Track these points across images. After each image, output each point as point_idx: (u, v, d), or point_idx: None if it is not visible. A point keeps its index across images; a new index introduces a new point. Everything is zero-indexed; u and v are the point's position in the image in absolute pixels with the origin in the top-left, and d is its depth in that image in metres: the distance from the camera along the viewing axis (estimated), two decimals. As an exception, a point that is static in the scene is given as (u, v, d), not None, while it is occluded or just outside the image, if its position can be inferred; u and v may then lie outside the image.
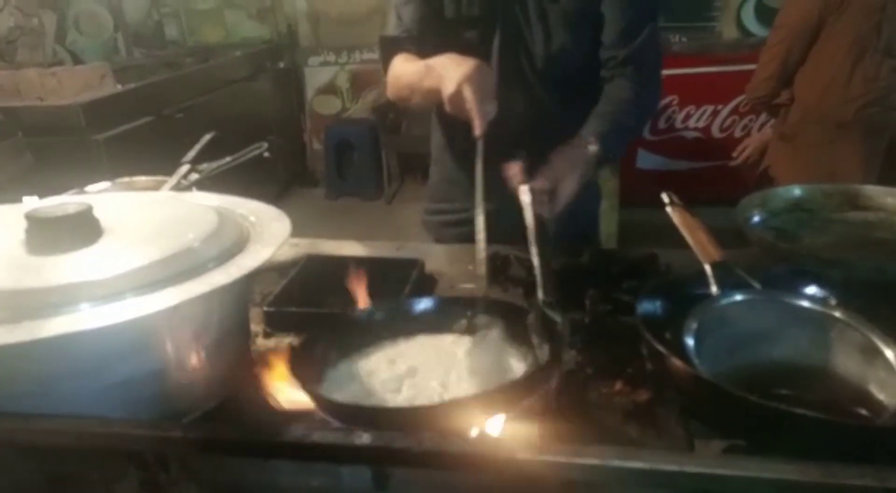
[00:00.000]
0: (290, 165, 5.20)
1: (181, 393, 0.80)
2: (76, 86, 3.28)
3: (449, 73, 1.13)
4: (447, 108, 1.16)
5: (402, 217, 4.52)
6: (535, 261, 0.99)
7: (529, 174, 1.16)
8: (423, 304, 0.99)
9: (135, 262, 0.77)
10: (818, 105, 2.26)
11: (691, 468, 0.59)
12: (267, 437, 0.63)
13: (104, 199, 0.92)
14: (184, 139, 1.55)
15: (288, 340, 1.12)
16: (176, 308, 0.74)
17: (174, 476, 0.69)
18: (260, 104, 4.75)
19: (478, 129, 1.11)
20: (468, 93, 1.09)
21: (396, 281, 1.25)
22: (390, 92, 1.46)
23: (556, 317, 0.88)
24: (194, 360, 0.80)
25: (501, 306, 0.96)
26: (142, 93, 3.52)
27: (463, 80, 1.09)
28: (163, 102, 3.56)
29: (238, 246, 0.84)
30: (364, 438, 0.62)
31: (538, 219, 1.08)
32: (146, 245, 0.81)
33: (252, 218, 0.92)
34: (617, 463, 0.59)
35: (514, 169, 1.16)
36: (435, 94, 1.17)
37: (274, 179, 4.83)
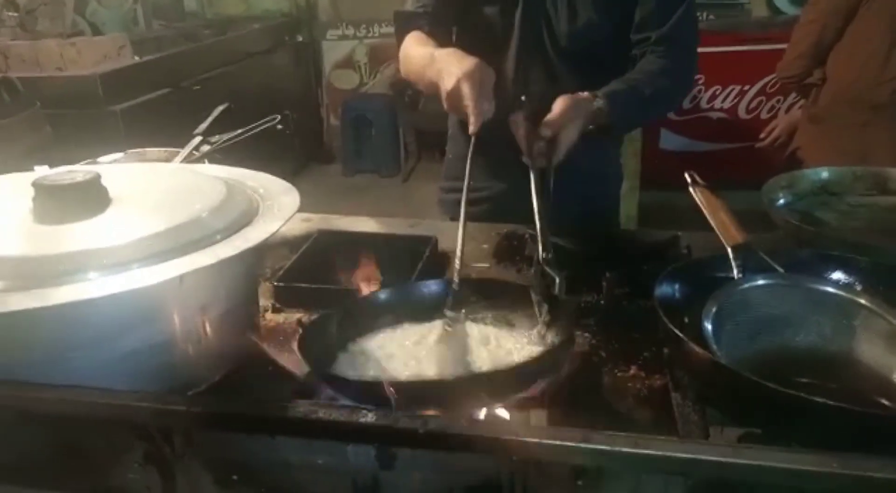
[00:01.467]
0: (306, 140, 5.18)
1: (187, 365, 0.80)
2: (95, 57, 3.27)
3: (449, 68, 1.12)
4: (444, 104, 1.15)
5: (419, 195, 4.50)
6: (536, 216, 0.97)
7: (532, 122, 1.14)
8: (434, 286, 0.97)
9: (142, 231, 0.76)
10: (852, 86, 2.18)
11: (705, 456, 0.56)
12: (271, 413, 0.62)
13: (113, 168, 0.91)
14: (201, 111, 1.54)
15: (297, 315, 1.10)
16: (182, 279, 0.74)
17: (178, 450, 0.69)
18: (277, 78, 4.72)
19: (472, 126, 1.10)
20: (466, 90, 1.09)
21: (409, 259, 1.23)
22: (402, 70, 1.44)
23: (554, 274, 0.86)
24: (201, 332, 0.79)
25: (511, 288, 0.94)
26: (160, 64, 3.51)
27: (462, 76, 1.09)
28: (180, 74, 3.55)
29: (246, 218, 0.83)
30: (369, 417, 0.61)
31: (538, 171, 1.06)
32: (154, 215, 0.80)
33: (261, 191, 0.91)
34: (627, 449, 0.57)
35: (518, 116, 1.14)
36: (436, 86, 1.16)
37: (290, 155, 4.81)
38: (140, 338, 0.75)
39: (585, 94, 1.19)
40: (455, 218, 1.61)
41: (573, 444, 0.58)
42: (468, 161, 1.10)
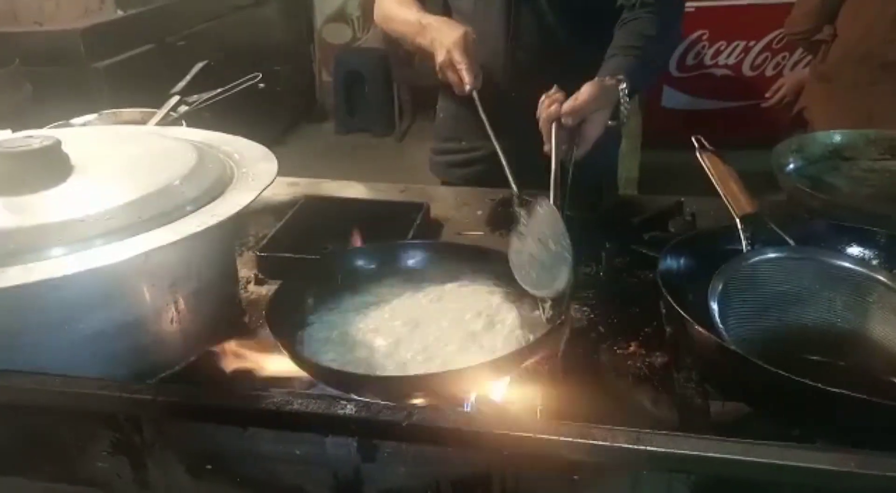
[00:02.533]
0: (298, 97, 5.04)
1: (159, 346, 0.75)
2: (75, 11, 3.13)
3: (441, 38, 1.18)
4: (439, 75, 1.21)
5: (414, 155, 4.39)
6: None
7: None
8: (420, 252, 0.92)
9: (106, 203, 0.70)
10: (862, 43, 2.09)
11: (712, 454, 0.52)
12: (242, 404, 0.58)
13: (77, 133, 0.84)
14: (187, 68, 1.46)
15: (281, 287, 1.05)
16: (148, 256, 0.68)
17: (148, 439, 0.64)
18: (266, 32, 4.56)
19: (468, 84, 1.15)
20: (457, 56, 1.15)
21: (399, 226, 1.17)
22: (378, 23, 1.41)
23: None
24: (172, 311, 0.74)
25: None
26: (144, 19, 3.36)
27: (452, 46, 1.15)
28: (166, 29, 3.41)
29: (219, 187, 0.77)
30: (348, 408, 0.56)
31: (559, 163, 1.00)
32: (119, 185, 0.74)
33: (237, 156, 0.84)
34: (628, 446, 0.52)
35: (551, 100, 1.07)
36: (425, 52, 1.22)
37: (281, 113, 4.69)
38: (104, 319, 0.69)
39: (611, 79, 1.10)
40: (447, 181, 1.55)
41: (570, 439, 0.53)
42: (483, 118, 1.12)
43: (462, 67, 1.14)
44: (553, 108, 1.06)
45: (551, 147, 1.04)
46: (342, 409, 0.56)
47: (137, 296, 0.71)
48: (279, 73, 4.65)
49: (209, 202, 0.74)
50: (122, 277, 0.70)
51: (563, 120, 1.04)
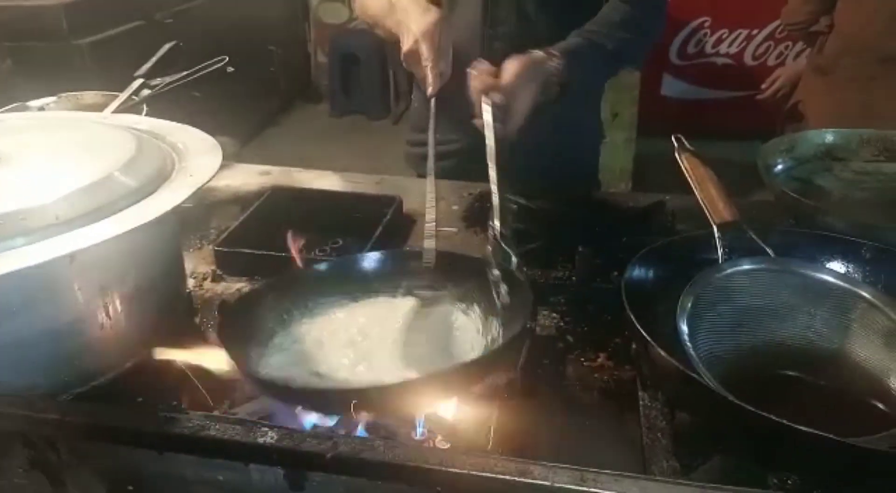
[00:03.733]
0: (293, 78, 4.95)
1: (88, 354, 0.69)
2: (59, -16, 3.04)
3: (408, 23, 1.06)
4: (403, 63, 1.10)
5: (409, 139, 4.33)
6: (492, 187, 0.87)
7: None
8: (379, 260, 0.87)
9: (29, 199, 0.64)
10: (860, 35, 2.02)
11: (663, 498, 0.47)
12: (155, 428, 0.53)
13: (8, 120, 0.79)
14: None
15: (239, 285, 1.00)
16: (73, 258, 0.63)
17: (65, 458, 0.59)
18: (260, 10, 4.44)
19: (430, 88, 1.05)
20: (424, 50, 1.04)
21: (369, 221, 1.12)
22: (357, 9, 1.33)
23: (511, 251, 0.79)
24: (102, 316, 0.69)
25: (471, 263, 0.83)
26: (131, -6, 3.28)
27: (421, 36, 1.04)
28: (153, 5, 3.32)
29: (158, 181, 0.71)
30: (269, 436, 0.51)
31: (495, 139, 0.94)
32: (47, 178, 0.68)
33: (180, 146, 0.78)
34: (571, 486, 0.48)
35: (479, 76, 1.00)
36: (395, 35, 1.10)
37: (275, 94, 4.61)
38: (25, 325, 0.64)
39: (540, 52, 1.05)
40: (422, 174, 1.49)
41: (508, 477, 0.48)
42: (430, 129, 1.03)
43: (428, 65, 1.04)
44: (479, 80, 0.99)
45: (482, 122, 0.97)
46: (263, 437, 0.51)
47: (62, 300, 0.66)
48: (273, 53, 4.57)
49: (145, 198, 0.69)
50: (46, 280, 0.65)
51: (490, 96, 0.98)
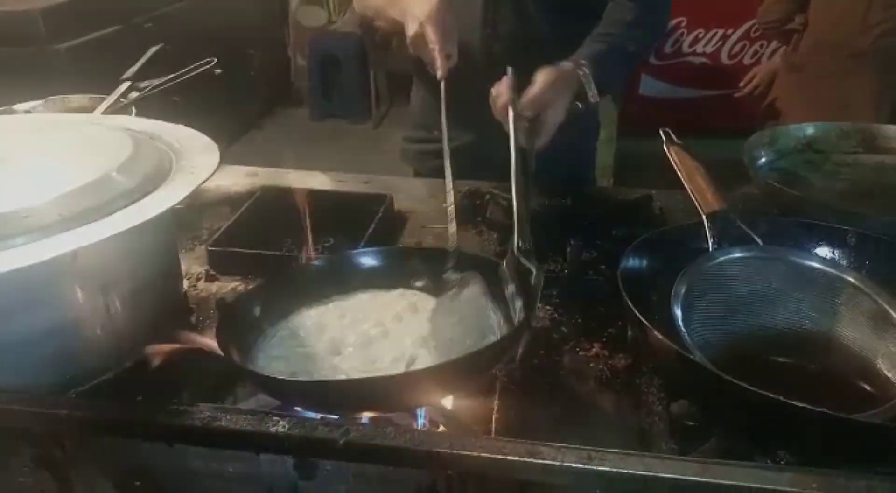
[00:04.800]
0: (272, 82, 4.92)
1: (90, 352, 0.69)
2: (36, -11, 3.01)
3: (413, 10, 1.06)
4: (409, 48, 1.10)
5: (391, 143, 4.31)
6: (514, 201, 0.87)
7: (518, 95, 1.02)
8: (377, 256, 0.87)
9: (30, 198, 0.64)
10: (832, 32, 2.07)
11: (667, 474, 0.49)
12: (166, 420, 0.53)
13: (5, 120, 0.78)
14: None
15: (233, 284, 1.00)
16: (76, 256, 0.63)
17: (71, 454, 0.60)
18: (239, 14, 4.43)
19: (440, 70, 1.04)
20: (430, 33, 1.04)
21: (360, 219, 1.13)
22: (356, 7, 1.34)
23: (531, 266, 0.77)
24: (103, 314, 0.69)
25: (470, 260, 0.84)
26: (108, -1, 3.25)
27: (425, 19, 1.04)
28: (132, 10, 3.30)
29: (157, 180, 0.71)
30: (280, 425, 0.52)
31: (520, 150, 0.95)
32: (46, 178, 0.68)
33: (177, 146, 0.79)
34: (578, 465, 0.49)
35: (501, 87, 1.02)
36: (398, 25, 1.11)
37: (254, 98, 4.58)
38: (28, 324, 0.64)
39: (568, 62, 1.06)
40: (420, 171, 1.50)
41: (516, 458, 0.50)
42: (442, 111, 1.02)
43: (435, 48, 1.03)
44: (506, 93, 1.00)
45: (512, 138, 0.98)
46: (275, 426, 0.52)
47: (64, 299, 0.66)
48: (252, 56, 4.54)
49: (143, 197, 0.69)
50: (48, 278, 0.65)
51: (521, 111, 0.99)
